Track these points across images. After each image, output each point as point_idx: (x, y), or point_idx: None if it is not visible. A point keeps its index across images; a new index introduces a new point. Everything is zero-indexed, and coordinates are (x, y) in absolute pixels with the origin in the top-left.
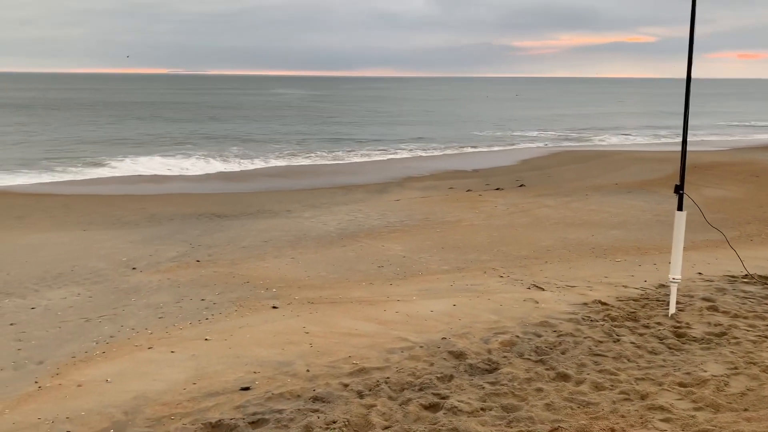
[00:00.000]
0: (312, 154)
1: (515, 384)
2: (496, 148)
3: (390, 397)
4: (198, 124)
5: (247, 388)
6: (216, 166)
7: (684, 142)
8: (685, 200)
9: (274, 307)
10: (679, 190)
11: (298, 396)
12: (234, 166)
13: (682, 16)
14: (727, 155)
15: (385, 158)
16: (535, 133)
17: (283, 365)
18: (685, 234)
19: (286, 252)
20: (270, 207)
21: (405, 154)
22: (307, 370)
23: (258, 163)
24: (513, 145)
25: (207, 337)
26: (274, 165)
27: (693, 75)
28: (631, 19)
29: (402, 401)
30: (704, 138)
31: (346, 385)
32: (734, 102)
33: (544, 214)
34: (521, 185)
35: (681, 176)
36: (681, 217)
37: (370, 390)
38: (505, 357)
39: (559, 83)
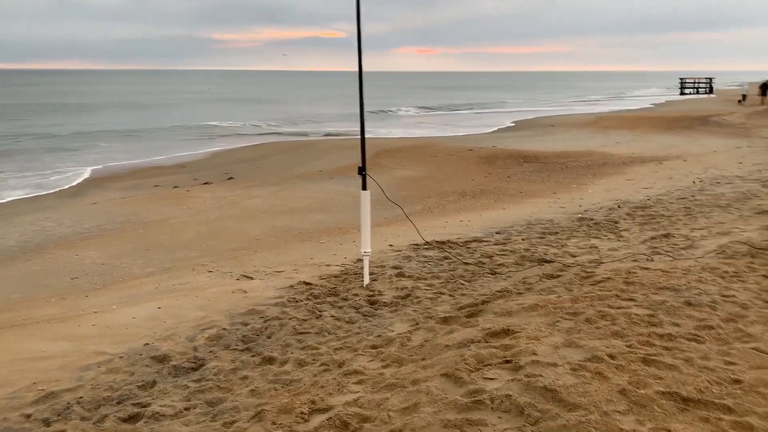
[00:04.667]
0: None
1: (221, 377)
2: (202, 147)
3: (83, 418)
4: None
5: None
6: None
7: (362, 129)
8: (370, 181)
9: None
10: (361, 171)
11: None
12: None
13: (366, 13)
14: (411, 140)
15: (75, 156)
16: (240, 124)
17: None
18: (380, 211)
19: None
20: None
21: (99, 151)
22: None
23: None
24: (214, 137)
25: None
26: None
27: (380, 68)
28: (325, 16)
29: (97, 419)
30: (391, 127)
31: (28, 416)
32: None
33: (253, 205)
34: (230, 178)
35: (362, 159)
36: (366, 196)
37: (58, 415)
38: (211, 352)
39: (262, 76)
